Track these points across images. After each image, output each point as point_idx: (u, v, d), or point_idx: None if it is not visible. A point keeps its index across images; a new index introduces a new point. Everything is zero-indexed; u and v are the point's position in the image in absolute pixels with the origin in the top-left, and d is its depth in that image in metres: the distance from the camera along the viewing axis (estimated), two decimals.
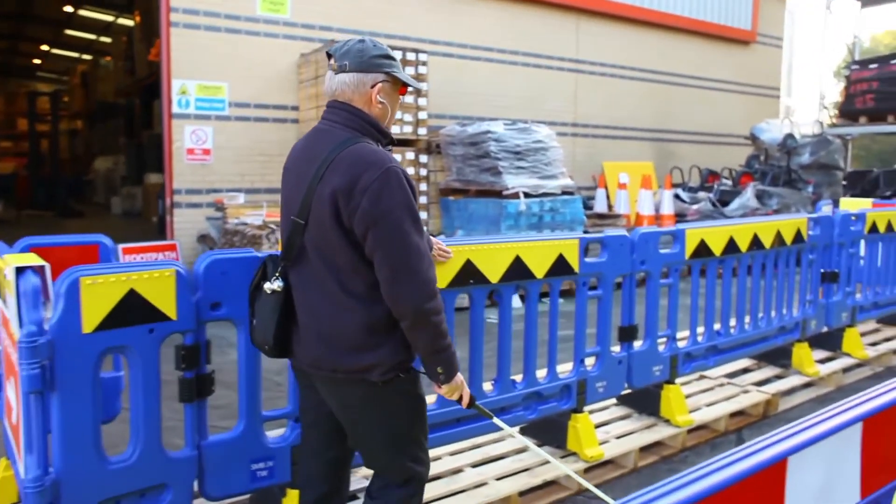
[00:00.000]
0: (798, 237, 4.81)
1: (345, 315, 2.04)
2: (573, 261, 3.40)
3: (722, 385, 4.82)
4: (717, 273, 4.50)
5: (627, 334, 3.79)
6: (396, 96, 2.19)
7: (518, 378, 3.38)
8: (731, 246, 4.30)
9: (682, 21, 13.73)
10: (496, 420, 2.39)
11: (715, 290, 4.43)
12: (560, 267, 3.35)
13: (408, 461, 2.17)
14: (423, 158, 9.26)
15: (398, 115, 9.03)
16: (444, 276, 2.91)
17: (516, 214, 8.32)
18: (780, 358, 5.14)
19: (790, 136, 12.36)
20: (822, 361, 5.39)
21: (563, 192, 8.95)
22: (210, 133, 9.18)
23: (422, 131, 9.17)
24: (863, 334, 6.23)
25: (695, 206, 10.28)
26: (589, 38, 12.56)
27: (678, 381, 4.45)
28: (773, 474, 1.49)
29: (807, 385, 5.09)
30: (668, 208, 10.12)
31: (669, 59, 13.84)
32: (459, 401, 2.19)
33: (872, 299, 5.72)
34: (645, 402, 4.16)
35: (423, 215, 9.38)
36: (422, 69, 9.10)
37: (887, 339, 6.21)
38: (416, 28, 10.59)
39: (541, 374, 3.45)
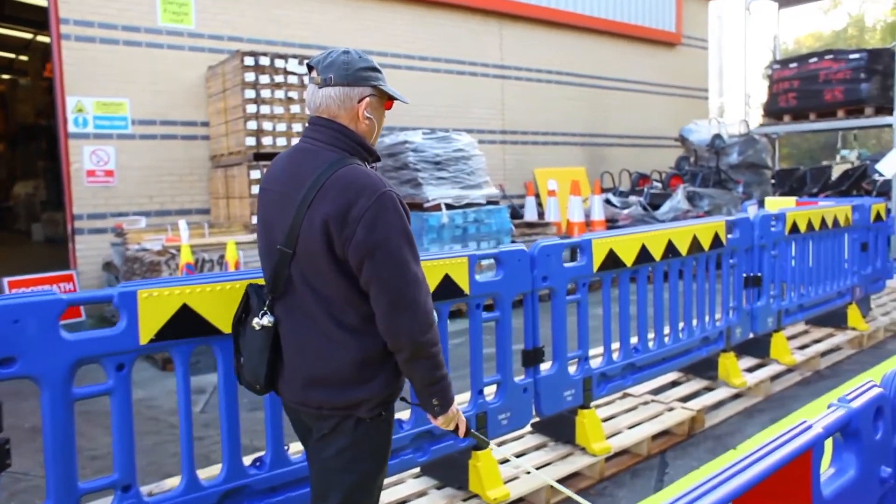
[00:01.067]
0: (716, 241, 4.56)
1: (336, 351, 1.92)
2: (462, 281, 3.04)
3: (646, 403, 4.53)
4: (632, 283, 4.20)
5: (532, 358, 3.44)
6: (382, 111, 2.06)
7: (405, 416, 2.99)
8: (644, 255, 4.01)
9: (607, 24, 13.67)
10: (494, 448, 2.38)
11: (629, 303, 4.12)
12: (447, 289, 2.98)
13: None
14: None
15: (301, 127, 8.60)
16: None
17: (439, 227, 7.97)
18: (706, 369, 4.88)
19: (718, 136, 12.36)
20: (750, 370, 5.16)
21: (489, 202, 8.64)
22: (112, 153, 8.58)
23: None
24: (791, 337, 6.07)
25: (625, 211, 10.11)
26: (513, 42, 12.35)
27: (598, 402, 4.15)
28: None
29: (736, 396, 4.84)
30: (598, 214, 9.92)
31: (596, 62, 13.76)
32: (455, 431, 2.09)
33: (798, 301, 5.53)
34: (562, 428, 3.83)
35: None
36: None
37: (816, 341, 6.04)
38: (330, 36, 10.21)
39: None
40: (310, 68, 2.01)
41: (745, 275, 4.98)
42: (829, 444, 1.52)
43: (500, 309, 3.29)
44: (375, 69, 2.01)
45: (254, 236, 7.76)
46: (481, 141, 11.88)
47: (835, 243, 6.02)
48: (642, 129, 14.74)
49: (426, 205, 8.07)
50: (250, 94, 8.11)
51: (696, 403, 4.46)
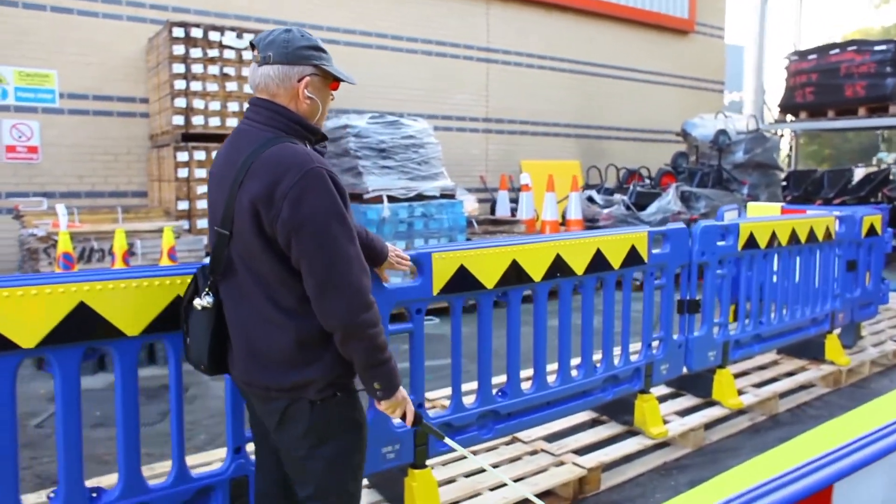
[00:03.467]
0: (633, 257, 3.65)
1: (274, 332, 1.90)
2: None
3: (535, 453, 3.66)
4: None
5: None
6: (327, 91, 2.01)
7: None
8: (515, 273, 3.13)
9: (609, 7, 12.64)
10: (448, 441, 2.23)
11: (519, 331, 3.25)
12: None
13: (341, 492, 2.00)
14: None
15: (238, 107, 7.82)
16: None
17: (379, 221, 7.14)
18: (622, 412, 3.99)
19: (723, 132, 11.28)
20: (683, 413, 4.24)
21: (443, 196, 7.78)
22: (36, 128, 7.91)
23: None
24: (756, 369, 5.14)
25: (606, 211, 9.14)
26: (501, 24, 11.40)
27: (476, 447, 3.31)
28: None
29: (660, 446, 3.94)
30: (575, 213, 8.97)
31: (596, 48, 12.72)
32: (403, 419, 2.03)
33: (753, 331, 4.58)
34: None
35: None
36: None
37: (788, 374, 5.08)
38: (291, 10, 9.40)
39: None
40: (252, 47, 1.95)
41: (679, 299, 4.07)
42: None
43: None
44: (318, 48, 1.95)
45: (170, 223, 7.06)
46: (462, 129, 11.03)
47: (809, 261, 5.05)
48: (647, 123, 13.67)
49: (366, 196, 7.26)
50: (179, 68, 7.35)
51: (593, 458, 3.56)
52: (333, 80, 2.00)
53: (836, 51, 11.50)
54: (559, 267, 3.27)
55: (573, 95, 12.47)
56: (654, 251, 3.82)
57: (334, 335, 1.86)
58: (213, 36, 7.50)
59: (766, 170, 11.55)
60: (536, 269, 3.19)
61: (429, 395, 4.14)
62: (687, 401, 4.42)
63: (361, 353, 1.86)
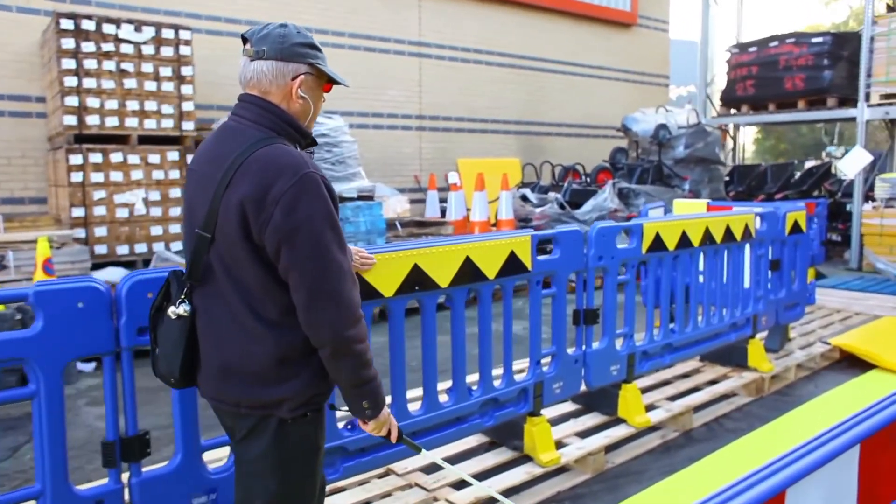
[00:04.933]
0: (513, 265, 3.25)
1: (253, 344, 1.77)
2: None
3: (408, 487, 3.25)
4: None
5: None
6: (320, 93, 1.91)
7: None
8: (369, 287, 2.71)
9: (549, 0, 12.28)
10: (426, 453, 2.18)
11: None
12: None
13: None
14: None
15: (153, 106, 7.31)
16: None
17: None
18: (512, 437, 3.60)
19: (663, 126, 11.03)
20: (585, 433, 3.87)
21: (360, 197, 7.34)
22: None
23: (188, 126, 7.45)
24: (679, 378, 4.81)
25: (538, 210, 8.78)
26: (434, 17, 10.98)
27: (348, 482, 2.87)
28: None
29: (558, 472, 3.56)
30: (506, 213, 8.60)
31: (535, 42, 12.37)
32: (387, 437, 1.95)
33: (664, 340, 4.22)
34: None
35: None
36: (185, 50, 7.37)
37: (711, 382, 4.76)
38: (206, 2, 8.86)
39: None
40: (244, 40, 1.86)
41: (575, 309, 3.69)
42: None
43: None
44: (314, 47, 1.87)
45: (61, 231, 6.52)
46: (393, 127, 10.60)
47: (729, 261, 4.73)
48: (590, 118, 13.37)
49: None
50: (69, 64, 6.79)
51: (470, 494, 3.16)
52: (327, 82, 1.92)
53: (776, 43, 11.30)
54: (418, 279, 2.85)
55: (512, 91, 12.11)
56: (542, 257, 3.43)
57: (321, 350, 1.76)
58: (108, 29, 6.95)
59: (707, 165, 11.33)
60: (388, 283, 2.77)
61: None
62: (592, 419, 4.05)
63: (349, 369, 1.77)
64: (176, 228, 7.46)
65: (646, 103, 13.67)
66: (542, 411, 3.79)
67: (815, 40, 10.84)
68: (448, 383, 3.20)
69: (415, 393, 3.27)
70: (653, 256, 4.06)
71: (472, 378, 3.29)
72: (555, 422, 3.99)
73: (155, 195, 7.31)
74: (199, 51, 8.64)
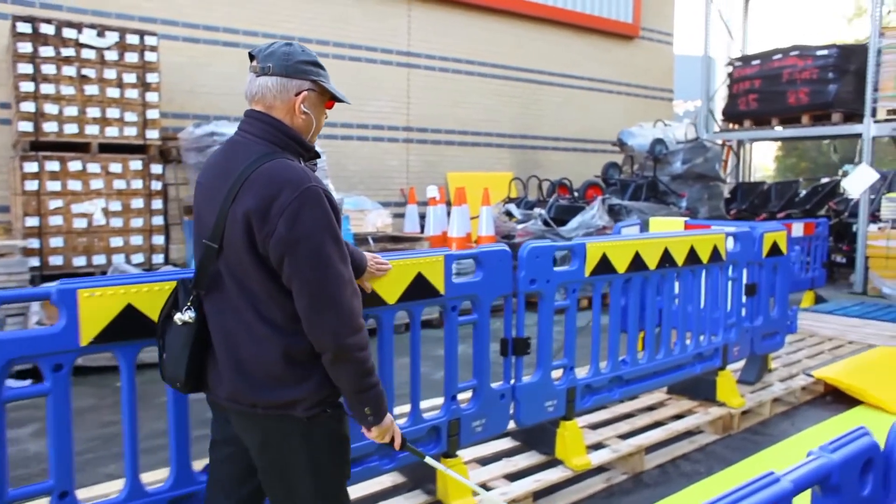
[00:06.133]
0: (422, 288, 2.90)
1: (262, 348, 1.85)
2: None
3: None
4: None
5: None
6: (322, 109, 2.00)
7: None
8: None
9: (544, 10, 11.98)
10: (429, 460, 2.25)
11: None
12: None
13: None
14: (157, 168, 7.28)
15: (116, 113, 7.07)
16: None
17: None
18: (424, 480, 3.22)
19: (660, 141, 10.63)
20: (515, 476, 3.48)
21: None
22: None
23: (152, 134, 7.20)
24: (635, 414, 4.40)
25: (521, 226, 8.41)
26: (425, 26, 10.71)
27: None
28: None
29: None
30: (486, 229, 8.25)
31: (530, 53, 12.05)
32: (391, 443, 2.02)
33: (612, 372, 3.83)
34: None
35: (160, 240, 7.40)
36: (151, 56, 7.14)
37: (660, 423, 4.33)
38: (187, 10, 8.65)
39: None
40: (251, 57, 1.95)
41: (504, 338, 3.33)
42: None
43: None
44: (317, 64, 1.97)
45: (13, 242, 6.27)
46: (379, 138, 10.32)
47: (690, 286, 4.33)
48: (590, 133, 13.01)
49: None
50: (26, 69, 6.58)
51: None
52: (329, 99, 2.00)
53: (779, 56, 10.87)
54: None
55: (506, 103, 11.78)
56: (459, 280, 3.08)
57: (324, 356, 1.83)
58: (69, 33, 6.74)
59: (707, 181, 10.90)
60: None
61: None
62: (527, 459, 3.66)
63: (351, 376, 1.84)
64: (138, 240, 7.20)
65: (649, 118, 13.27)
66: (468, 450, 3.44)
67: (819, 53, 10.40)
68: None
69: None
70: (599, 280, 3.68)
71: None
72: (486, 461, 3.61)
73: (116, 205, 7.06)
74: (175, 58, 8.45)
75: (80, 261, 6.88)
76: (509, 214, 8.98)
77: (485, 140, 11.54)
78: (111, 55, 6.91)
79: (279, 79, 1.90)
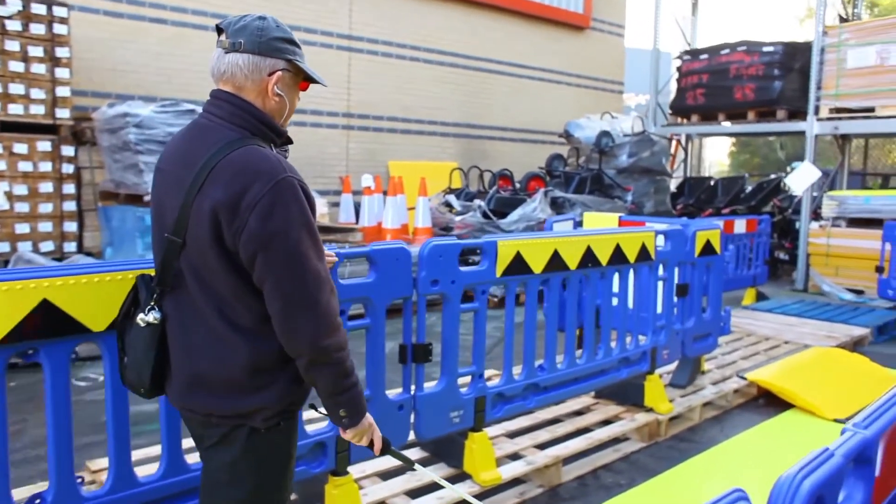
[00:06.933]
0: None
1: (226, 353, 1.71)
2: None
3: None
4: None
5: None
6: (296, 91, 1.84)
7: None
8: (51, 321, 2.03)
9: None
10: (418, 467, 2.12)
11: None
12: None
13: None
14: (68, 150, 6.79)
15: (20, 89, 6.55)
16: None
17: None
18: (313, 499, 2.92)
19: (606, 133, 10.44)
20: (416, 493, 3.20)
21: None
22: None
23: (63, 113, 6.71)
24: (563, 419, 4.17)
25: (458, 218, 8.13)
26: (367, 9, 10.32)
27: None
28: None
29: None
30: (423, 220, 7.94)
31: (479, 41, 11.75)
32: (370, 447, 1.91)
33: (527, 380, 3.57)
34: None
35: (72, 227, 6.92)
36: (60, 28, 6.63)
37: (586, 430, 4.10)
38: None
39: None
40: (219, 31, 1.78)
41: (402, 344, 3.03)
42: None
43: None
44: (293, 42, 1.79)
45: None
46: (317, 124, 9.92)
47: (620, 287, 4.10)
48: (540, 124, 12.79)
49: (146, 198, 6.06)
50: None
51: None
52: (304, 80, 1.85)
53: (727, 51, 10.78)
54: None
55: (453, 91, 11.48)
56: (347, 281, 2.77)
57: (298, 360, 1.72)
58: None
59: (653, 175, 10.77)
60: (96, 317, 2.08)
61: None
62: (433, 472, 3.37)
63: (328, 378, 1.72)
64: (47, 227, 6.72)
65: (599, 110, 13.09)
66: (370, 463, 3.16)
67: (766, 49, 10.33)
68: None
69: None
70: (512, 281, 3.41)
71: None
72: (388, 475, 3.32)
73: (21, 189, 6.56)
74: (95, 33, 7.95)
75: None
76: (449, 206, 8.69)
77: (429, 128, 11.22)
78: (13, 25, 6.39)
79: (251, 56, 1.73)
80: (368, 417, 1.86)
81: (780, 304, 8.14)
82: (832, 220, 9.52)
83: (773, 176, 12.56)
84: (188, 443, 2.19)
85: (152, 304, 1.78)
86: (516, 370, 3.53)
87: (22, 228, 6.59)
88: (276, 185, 1.64)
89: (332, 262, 2.40)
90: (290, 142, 1.87)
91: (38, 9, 6.51)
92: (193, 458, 2.38)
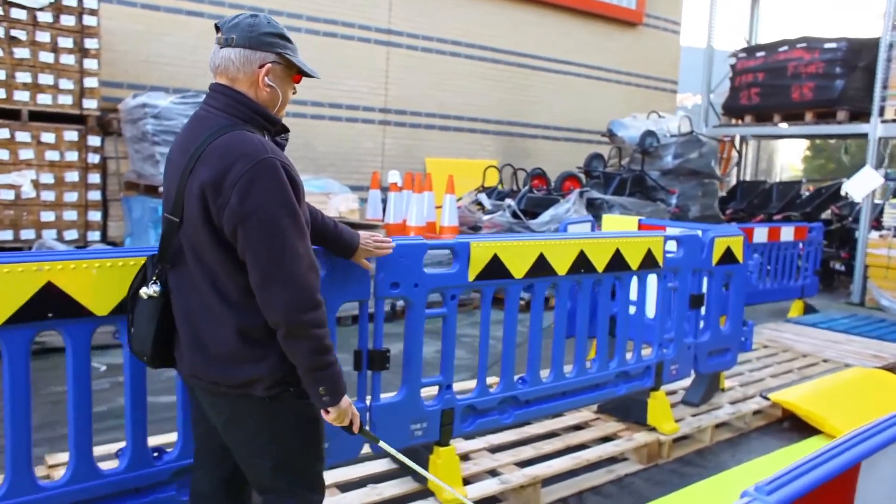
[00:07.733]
0: None
1: (218, 324, 1.85)
2: None
3: None
4: None
5: None
6: (289, 82, 1.98)
7: None
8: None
9: None
10: (383, 444, 2.21)
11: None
12: None
13: (300, 489, 2.00)
14: (94, 140, 6.87)
15: (49, 80, 6.65)
16: None
17: None
18: None
19: (650, 133, 10.01)
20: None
21: None
22: None
23: (90, 104, 6.78)
24: (560, 433, 3.91)
25: (487, 217, 7.88)
26: (406, 4, 10.16)
27: None
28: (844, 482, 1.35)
29: None
30: (449, 219, 7.73)
31: (523, 37, 11.45)
32: (349, 427, 1.97)
33: (505, 391, 3.32)
34: None
35: (96, 216, 6.99)
36: (90, 20, 6.70)
37: (603, 440, 3.83)
38: None
39: None
40: (217, 29, 1.93)
41: (357, 350, 2.83)
42: None
43: None
44: (283, 37, 1.93)
45: None
46: (353, 119, 9.83)
47: (620, 295, 3.80)
48: (584, 122, 12.38)
49: (161, 189, 6.05)
50: None
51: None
52: (297, 72, 1.96)
53: (785, 48, 10.17)
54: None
55: (495, 88, 11.21)
56: None
57: (278, 332, 1.79)
58: None
59: (701, 178, 10.27)
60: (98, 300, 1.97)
61: None
62: (397, 487, 3.18)
63: (305, 353, 1.79)
64: (72, 216, 6.81)
65: (650, 109, 12.61)
66: (331, 473, 2.97)
67: (827, 46, 9.69)
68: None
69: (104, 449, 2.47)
70: (488, 286, 3.17)
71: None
72: (348, 486, 3.14)
73: (48, 177, 6.66)
74: (132, 26, 8.05)
75: (5, 234, 6.50)
76: (480, 204, 8.46)
77: (468, 125, 10.99)
78: (44, 17, 6.48)
79: (242, 50, 1.87)
80: (347, 399, 1.92)
81: (827, 318, 7.60)
82: (894, 230, 8.87)
83: (831, 181, 11.83)
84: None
85: (154, 278, 1.93)
86: (492, 382, 3.29)
87: (47, 216, 6.69)
88: (257, 165, 1.75)
89: (388, 249, 2.55)
90: (286, 130, 1.99)
91: (70, 1, 6.59)
92: None
